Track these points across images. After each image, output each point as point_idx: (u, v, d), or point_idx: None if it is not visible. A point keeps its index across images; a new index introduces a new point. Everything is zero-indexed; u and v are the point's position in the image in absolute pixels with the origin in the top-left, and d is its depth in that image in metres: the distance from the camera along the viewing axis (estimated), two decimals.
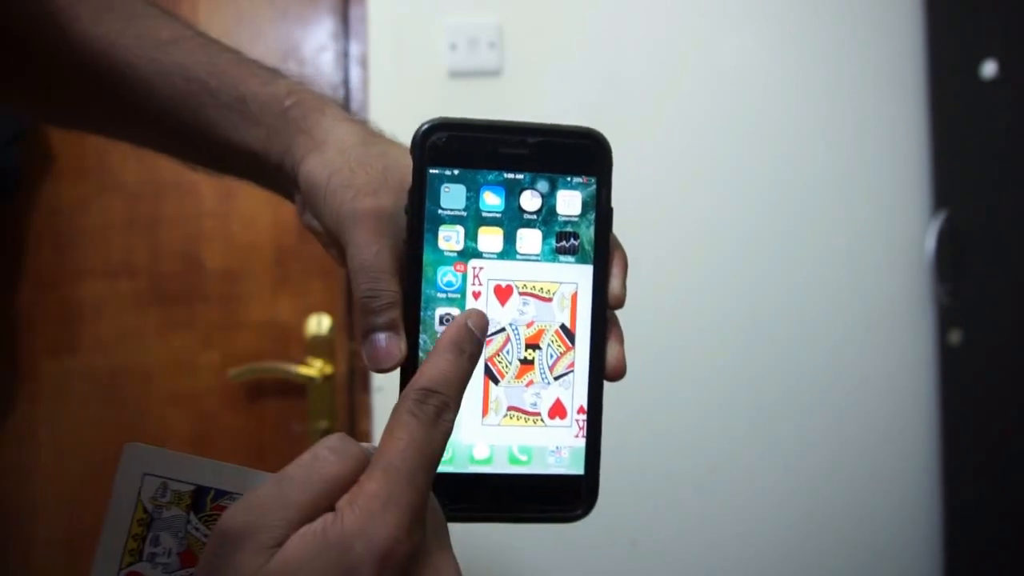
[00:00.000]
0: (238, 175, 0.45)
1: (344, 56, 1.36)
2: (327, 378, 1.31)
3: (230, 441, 1.33)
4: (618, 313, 0.38)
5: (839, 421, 1.29)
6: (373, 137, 0.40)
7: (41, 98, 0.49)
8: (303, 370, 1.30)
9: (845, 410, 1.29)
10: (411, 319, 0.35)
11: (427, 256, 0.35)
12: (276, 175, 0.42)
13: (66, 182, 1.33)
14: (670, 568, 1.28)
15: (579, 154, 0.36)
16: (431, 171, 0.35)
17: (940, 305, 1.26)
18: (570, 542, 1.28)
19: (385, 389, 1.25)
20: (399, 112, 1.29)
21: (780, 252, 1.30)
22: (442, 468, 0.34)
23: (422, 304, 0.35)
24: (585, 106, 1.29)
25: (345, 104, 1.36)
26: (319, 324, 1.32)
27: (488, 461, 0.36)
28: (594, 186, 0.36)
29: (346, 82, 1.35)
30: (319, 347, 1.31)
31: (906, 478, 1.29)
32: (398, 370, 0.36)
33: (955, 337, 1.22)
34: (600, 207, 0.36)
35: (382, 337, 0.35)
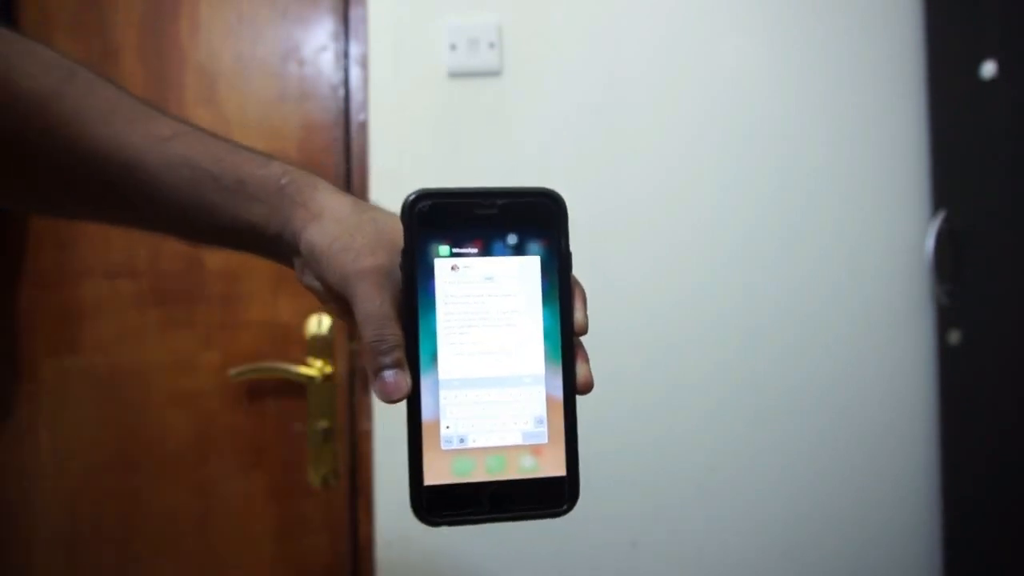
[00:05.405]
0: (239, 247, 0.51)
1: (344, 56, 1.36)
2: (327, 378, 1.31)
3: (230, 441, 1.33)
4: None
5: (839, 421, 1.29)
6: (362, 206, 0.48)
7: (48, 199, 0.53)
8: (303, 370, 1.30)
9: (844, 410, 1.30)
10: (412, 357, 0.42)
11: (421, 303, 0.42)
12: (275, 245, 0.49)
13: None
14: (670, 568, 1.29)
15: (539, 210, 0.44)
16: (420, 232, 0.42)
17: (939, 305, 1.26)
18: (570, 542, 1.28)
19: None
20: (399, 112, 1.29)
21: (780, 252, 1.30)
22: (437, 481, 0.42)
23: (420, 344, 0.43)
24: (584, 106, 1.30)
25: (345, 104, 1.37)
26: (319, 324, 1.32)
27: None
28: (554, 236, 0.44)
29: (346, 82, 1.35)
30: (319, 347, 1.31)
31: (905, 477, 1.30)
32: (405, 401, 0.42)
33: (954, 337, 1.23)
34: (560, 253, 0.44)
35: (390, 374, 0.42)
